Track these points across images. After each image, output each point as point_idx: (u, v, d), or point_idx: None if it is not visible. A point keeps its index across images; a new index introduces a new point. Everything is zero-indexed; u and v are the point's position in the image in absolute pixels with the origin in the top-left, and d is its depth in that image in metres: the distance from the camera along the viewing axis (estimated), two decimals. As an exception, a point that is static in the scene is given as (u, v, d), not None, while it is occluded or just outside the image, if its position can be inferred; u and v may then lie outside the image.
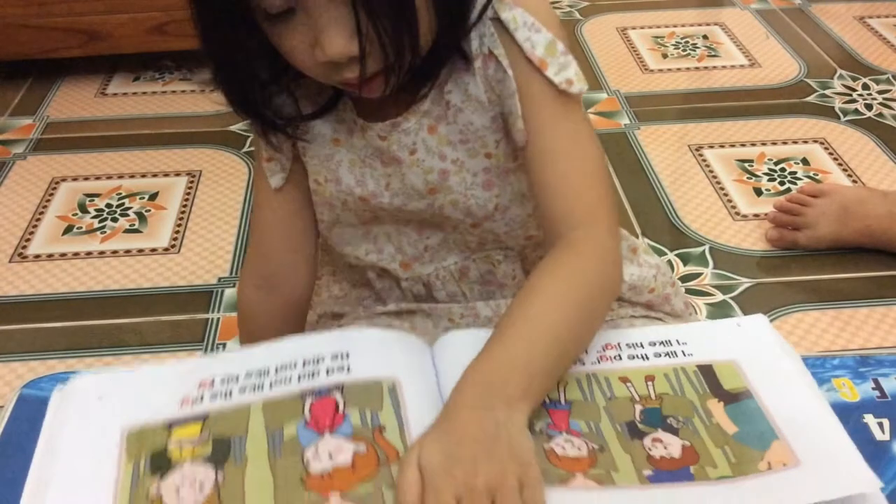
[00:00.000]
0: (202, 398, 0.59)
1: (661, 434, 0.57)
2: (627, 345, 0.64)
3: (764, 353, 0.63)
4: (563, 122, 0.69)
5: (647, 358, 0.63)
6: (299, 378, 0.60)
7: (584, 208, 0.68)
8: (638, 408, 0.59)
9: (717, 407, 0.58)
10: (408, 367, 0.61)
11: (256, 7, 0.62)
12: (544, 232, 0.71)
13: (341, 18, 0.60)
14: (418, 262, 0.81)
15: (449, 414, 0.55)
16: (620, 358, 0.63)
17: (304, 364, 0.61)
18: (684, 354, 0.63)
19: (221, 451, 0.55)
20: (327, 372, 0.60)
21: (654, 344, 0.64)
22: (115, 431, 0.58)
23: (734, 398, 0.59)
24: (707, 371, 0.61)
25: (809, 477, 0.53)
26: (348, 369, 0.60)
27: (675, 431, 0.57)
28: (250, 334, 0.86)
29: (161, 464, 0.55)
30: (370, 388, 0.59)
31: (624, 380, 0.61)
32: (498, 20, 0.69)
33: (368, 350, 0.62)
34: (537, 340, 0.59)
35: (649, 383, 0.60)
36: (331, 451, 0.54)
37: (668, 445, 0.56)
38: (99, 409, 0.60)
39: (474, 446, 0.52)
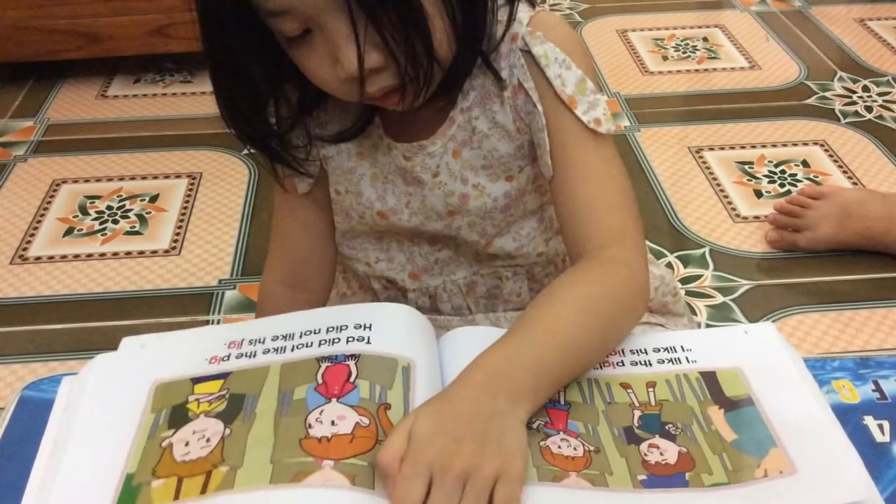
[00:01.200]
0: (228, 357, 0.61)
1: (658, 440, 0.57)
2: (631, 351, 0.64)
3: (769, 361, 0.63)
4: (594, 151, 0.70)
5: (650, 364, 0.63)
6: (320, 343, 0.61)
7: (612, 230, 0.68)
8: (637, 413, 0.59)
9: (717, 414, 0.58)
10: (426, 351, 0.62)
11: (276, 33, 0.63)
12: (569, 252, 0.71)
13: (354, 34, 0.60)
14: (427, 274, 0.81)
15: (451, 389, 0.55)
16: (623, 364, 0.63)
17: (327, 331, 0.62)
18: (688, 361, 0.63)
19: (234, 408, 0.57)
20: (347, 340, 0.61)
21: (659, 350, 0.64)
22: (147, 384, 0.60)
23: (735, 405, 0.59)
24: (710, 378, 0.61)
25: (804, 484, 0.53)
26: (368, 340, 0.61)
27: (672, 438, 0.57)
28: None
29: (178, 417, 0.57)
30: (384, 364, 0.59)
31: (625, 386, 0.61)
32: (529, 53, 0.69)
33: (391, 326, 0.63)
34: (552, 342, 0.59)
35: (650, 390, 0.60)
36: (334, 418, 0.55)
37: (665, 451, 0.56)
38: (138, 359, 0.63)
39: (464, 426, 0.52)
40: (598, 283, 0.64)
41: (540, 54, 0.69)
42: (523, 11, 0.69)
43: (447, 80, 0.67)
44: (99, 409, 0.58)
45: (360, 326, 0.62)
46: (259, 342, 0.62)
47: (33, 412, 0.60)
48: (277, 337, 0.63)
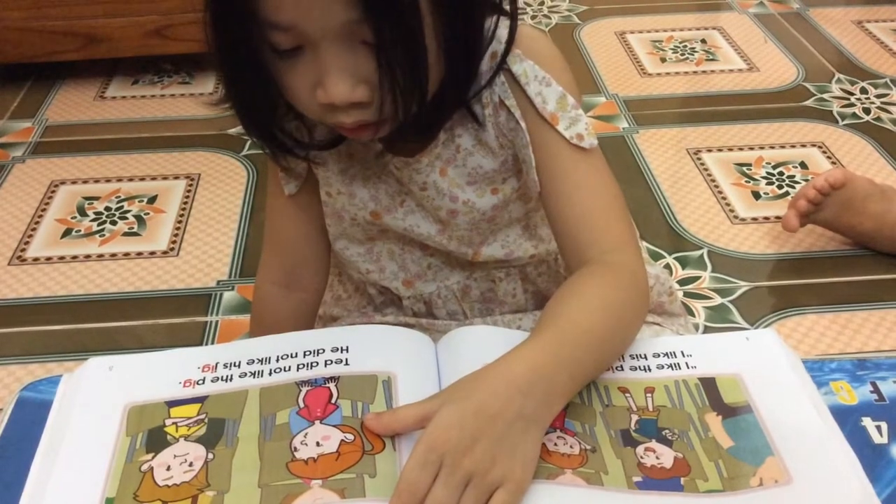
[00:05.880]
0: (203, 381, 0.61)
1: (654, 444, 0.57)
2: (631, 355, 0.64)
3: (770, 368, 0.62)
4: (582, 162, 0.70)
5: (650, 370, 0.62)
6: (298, 367, 0.61)
7: (613, 237, 0.68)
8: (634, 418, 0.59)
9: (714, 420, 0.58)
10: (406, 362, 0.62)
11: (264, 41, 0.62)
12: (568, 259, 0.71)
13: (349, 64, 0.60)
14: (421, 281, 0.81)
15: (487, 378, 0.55)
16: (622, 369, 0.63)
17: (304, 355, 0.62)
18: (688, 367, 0.63)
19: (215, 433, 0.57)
20: (326, 363, 0.61)
21: (658, 355, 0.64)
22: (119, 407, 0.59)
23: (733, 412, 0.59)
24: (709, 384, 0.61)
25: (799, 495, 0.53)
26: (346, 362, 0.61)
27: (668, 443, 0.57)
28: (265, 332, 0.86)
29: (157, 440, 0.57)
30: (364, 382, 0.59)
31: (623, 390, 0.61)
32: (509, 71, 0.69)
33: (368, 345, 0.63)
34: (586, 342, 0.59)
35: (648, 395, 0.60)
36: (318, 439, 0.55)
37: (661, 456, 0.56)
38: (107, 380, 0.62)
39: (484, 424, 0.52)
40: (614, 286, 0.64)
41: (519, 73, 0.69)
42: (502, 27, 0.69)
43: (427, 122, 0.67)
44: (72, 432, 0.58)
45: (337, 349, 0.62)
46: (234, 366, 0.62)
47: (31, 413, 0.60)
48: (253, 361, 0.62)
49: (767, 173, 1.73)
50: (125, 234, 1.61)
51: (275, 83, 0.65)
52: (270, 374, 0.61)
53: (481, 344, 0.62)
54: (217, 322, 1.40)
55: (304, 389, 0.59)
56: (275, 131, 0.71)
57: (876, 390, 0.61)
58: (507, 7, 0.68)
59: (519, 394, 0.54)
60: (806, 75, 2.10)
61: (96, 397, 0.61)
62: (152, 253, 1.56)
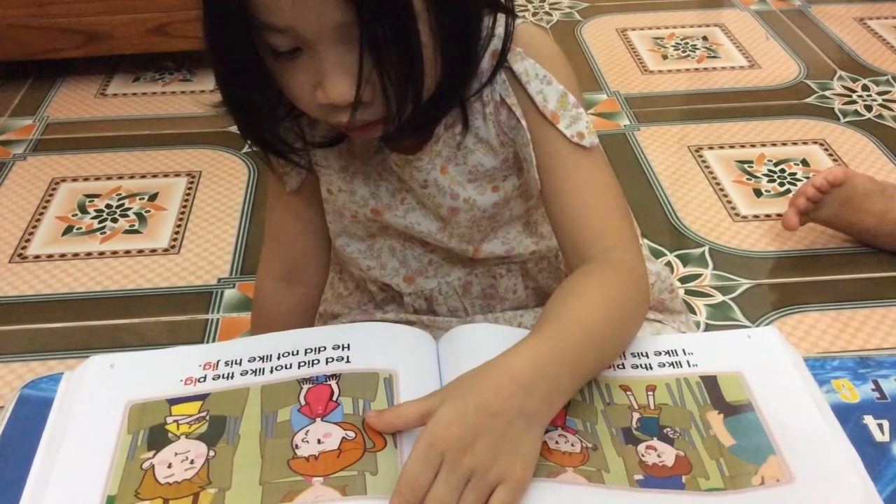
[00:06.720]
0: (205, 378, 0.61)
1: (655, 442, 0.57)
2: (632, 354, 0.64)
3: (771, 366, 0.62)
4: (583, 161, 0.70)
5: (651, 367, 0.62)
6: (299, 365, 0.61)
7: (613, 234, 0.68)
8: (635, 416, 0.59)
9: (716, 419, 0.58)
10: (407, 360, 0.62)
11: (262, 43, 0.62)
12: (568, 258, 0.71)
13: (347, 64, 0.60)
14: (422, 277, 0.81)
15: (489, 374, 0.55)
16: (623, 367, 0.63)
17: (305, 352, 0.62)
18: (689, 365, 0.63)
19: (216, 430, 0.57)
20: (327, 361, 0.61)
21: (660, 353, 0.64)
22: (120, 404, 0.60)
23: (735, 410, 0.59)
24: (710, 382, 0.61)
25: (801, 494, 0.53)
26: (347, 360, 0.61)
27: (670, 441, 0.57)
28: (265, 327, 0.87)
29: (158, 438, 0.57)
30: (366, 379, 0.60)
31: (625, 388, 0.61)
32: (509, 69, 0.69)
33: (369, 343, 0.63)
34: (587, 341, 0.59)
35: (650, 393, 0.60)
36: (320, 437, 0.55)
37: (662, 454, 0.56)
38: (109, 378, 0.62)
39: (485, 421, 0.52)
40: (615, 283, 0.64)
41: (520, 71, 0.69)
42: (503, 25, 0.69)
43: (425, 119, 0.68)
44: (73, 430, 0.58)
45: (339, 347, 0.62)
46: (236, 363, 0.62)
47: (32, 411, 0.60)
48: (254, 358, 0.62)
49: (769, 171, 1.73)
50: (126, 231, 1.61)
51: (273, 84, 0.65)
52: (272, 371, 0.61)
53: (482, 341, 0.62)
54: (218, 320, 1.40)
55: (306, 387, 0.59)
56: (273, 133, 0.71)
57: (878, 388, 0.61)
58: (506, 4, 0.68)
59: (520, 391, 0.54)
60: (808, 72, 2.10)
61: (97, 395, 0.61)
62: (153, 250, 1.56)
